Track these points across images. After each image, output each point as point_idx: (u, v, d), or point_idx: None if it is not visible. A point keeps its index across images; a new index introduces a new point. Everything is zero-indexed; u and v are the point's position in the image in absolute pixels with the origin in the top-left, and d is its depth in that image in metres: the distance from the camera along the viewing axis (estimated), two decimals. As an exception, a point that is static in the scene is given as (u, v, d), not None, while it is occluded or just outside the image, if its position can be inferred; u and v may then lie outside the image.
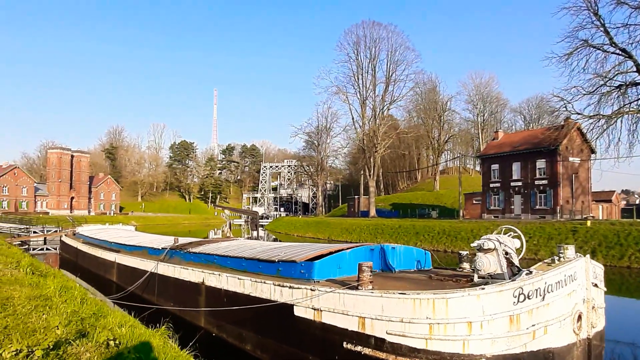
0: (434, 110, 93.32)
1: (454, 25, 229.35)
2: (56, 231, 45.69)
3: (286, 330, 10.11)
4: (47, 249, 40.66)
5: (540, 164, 47.21)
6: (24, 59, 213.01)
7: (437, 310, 7.25)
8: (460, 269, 11.92)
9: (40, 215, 77.02)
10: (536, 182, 47.58)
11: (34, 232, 46.12)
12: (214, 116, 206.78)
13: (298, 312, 9.74)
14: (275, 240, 61.43)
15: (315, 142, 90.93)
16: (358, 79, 68.51)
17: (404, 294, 7.71)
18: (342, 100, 71.85)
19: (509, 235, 9.46)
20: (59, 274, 13.07)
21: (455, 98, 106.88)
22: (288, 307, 9.94)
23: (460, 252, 12.65)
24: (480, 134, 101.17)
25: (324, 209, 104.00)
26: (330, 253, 11.32)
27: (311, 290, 9.43)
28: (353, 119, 70.80)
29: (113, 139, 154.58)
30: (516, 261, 8.98)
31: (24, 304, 5.48)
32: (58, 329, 4.11)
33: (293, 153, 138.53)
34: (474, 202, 57.90)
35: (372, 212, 67.52)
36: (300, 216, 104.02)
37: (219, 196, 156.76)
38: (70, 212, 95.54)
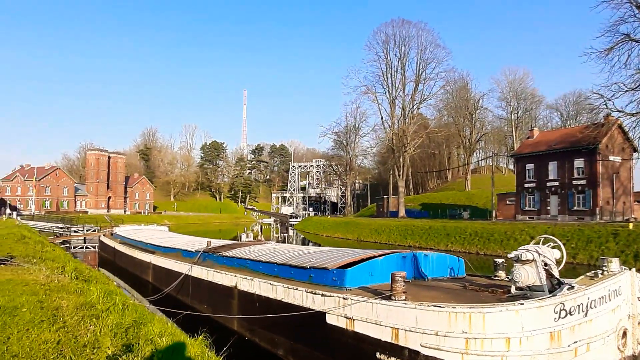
0: (466, 109, 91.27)
1: (486, 21, 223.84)
2: (95, 231, 47.76)
3: (318, 337, 10.16)
4: (86, 248, 42.51)
5: (579, 163, 45.43)
6: (64, 65, 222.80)
7: (474, 325, 7.11)
8: (496, 277, 11.65)
9: (80, 215, 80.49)
10: (574, 182, 45.83)
11: (75, 232, 48.32)
12: (244, 117, 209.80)
13: (330, 320, 9.77)
14: (304, 240, 61.85)
15: (343, 141, 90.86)
16: (387, 78, 67.95)
17: (439, 306, 7.60)
18: (371, 100, 71.45)
19: (548, 246, 9.15)
20: (100, 277, 13.60)
21: (488, 95, 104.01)
22: (320, 315, 9.99)
23: (495, 259, 12.35)
24: (514, 132, 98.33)
25: (352, 209, 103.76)
26: (362, 260, 11.29)
27: (343, 299, 9.44)
28: (382, 118, 70.31)
29: (147, 140, 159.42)
30: (556, 273, 8.67)
31: (72, 314, 5.75)
32: (109, 349, 4.30)
33: (322, 153, 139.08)
34: (508, 202, 56.31)
35: (402, 212, 66.83)
36: (329, 216, 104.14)
37: (248, 195, 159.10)
38: (107, 212, 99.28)
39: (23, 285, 7.37)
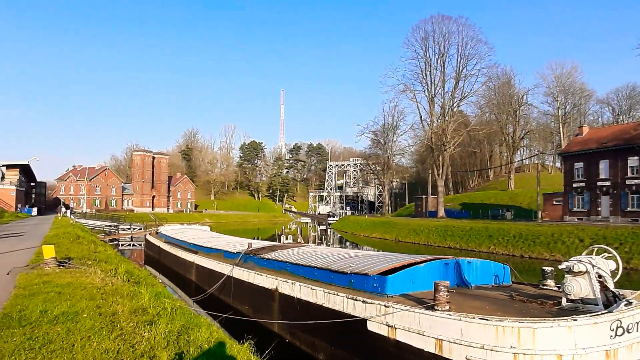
0: (509, 105, 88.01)
1: (531, 13, 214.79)
2: (141, 229, 50.06)
3: (359, 344, 10.13)
4: (133, 245, 44.67)
5: (633, 161, 42.92)
6: (112, 71, 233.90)
7: (523, 340, 6.87)
8: (545, 287, 11.20)
9: (127, 213, 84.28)
10: (627, 182, 43.33)
11: (122, 230, 50.90)
12: (281, 116, 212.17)
13: (371, 327, 9.73)
14: (341, 239, 61.89)
15: (381, 140, 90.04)
16: (426, 75, 66.60)
17: (486, 319, 7.39)
18: (409, 99, 70.25)
19: (602, 256, 8.70)
20: (149, 278, 14.18)
21: (533, 91, 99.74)
22: (361, 322, 9.97)
23: (544, 267, 11.87)
24: (561, 129, 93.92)
25: (390, 208, 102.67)
26: (403, 267, 11.17)
27: (385, 306, 9.37)
28: (421, 116, 69.00)
29: (189, 140, 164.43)
30: (611, 285, 8.23)
31: (128, 320, 6.05)
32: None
33: (359, 151, 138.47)
34: (554, 202, 53.94)
35: (441, 212, 65.45)
36: (366, 215, 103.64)
37: (286, 194, 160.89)
38: (152, 210, 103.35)
39: (81, 289, 7.82)
